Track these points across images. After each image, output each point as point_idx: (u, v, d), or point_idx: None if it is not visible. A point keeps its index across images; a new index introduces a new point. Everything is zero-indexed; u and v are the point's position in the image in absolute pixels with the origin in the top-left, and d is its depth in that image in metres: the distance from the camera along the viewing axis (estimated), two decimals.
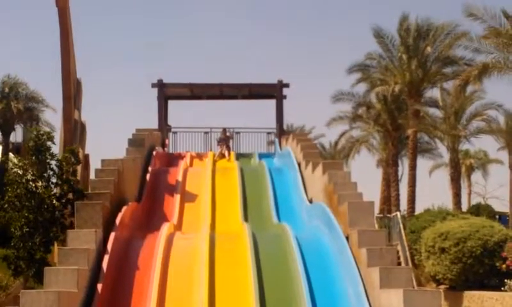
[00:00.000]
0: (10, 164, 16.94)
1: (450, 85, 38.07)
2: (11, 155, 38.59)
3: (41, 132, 17.43)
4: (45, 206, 16.16)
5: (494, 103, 38.86)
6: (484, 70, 30.79)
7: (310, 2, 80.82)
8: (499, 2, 40.57)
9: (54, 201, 16.59)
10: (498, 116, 40.57)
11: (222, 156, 23.07)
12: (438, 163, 48.90)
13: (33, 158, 16.73)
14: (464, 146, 41.93)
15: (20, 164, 16.89)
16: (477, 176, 55.23)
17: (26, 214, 15.92)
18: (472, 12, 30.21)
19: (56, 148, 19.37)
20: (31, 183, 16.48)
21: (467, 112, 38.97)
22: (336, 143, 48.81)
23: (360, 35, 76.77)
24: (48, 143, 17.01)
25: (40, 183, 16.64)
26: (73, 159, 17.19)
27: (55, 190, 17.03)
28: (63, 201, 16.77)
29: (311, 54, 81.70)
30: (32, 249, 16.04)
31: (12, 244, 16.24)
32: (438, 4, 72.63)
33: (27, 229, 15.90)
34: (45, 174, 16.75)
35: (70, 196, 16.71)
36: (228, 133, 24.50)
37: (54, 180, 17.01)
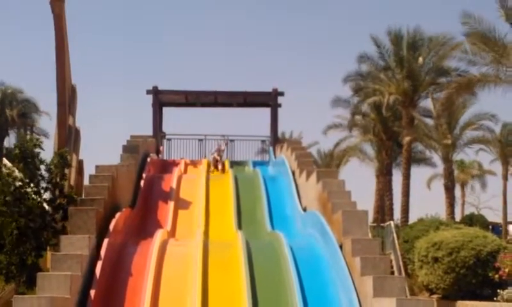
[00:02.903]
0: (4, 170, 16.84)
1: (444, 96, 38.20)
2: (5, 160, 38.53)
3: (27, 139, 17.44)
4: (36, 212, 16.11)
5: (487, 113, 39.09)
6: (470, 84, 30.94)
7: (306, 10, 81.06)
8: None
9: (45, 206, 16.55)
10: (492, 126, 40.81)
11: (215, 166, 22.70)
12: (436, 173, 49.01)
13: (20, 164, 16.71)
14: (458, 156, 42.11)
15: (8, 170, 16.83)
16: (470, 186, 55.34)
17: (16, 219, 15.85)
18: (466, 20, 30.36)
19: (50, 154, 19.35)
20: (20, 189, 16.42)
21: (460, 122, 39.18)
22: (332, 153, 48.86)
23: (356, 42, 76.89)
24: (36, 150, 16.98)
25: (29, 189, 16.59)
26: (62, 163, 17.14)
27: (45, 195, 16.98)
28: (54, 205, 16.72)
29: (306, 62, 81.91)
30: (24, 255, 15.99)
31: (5, 249, 16.20)
32: (435, 15, 72.92)
33: (18, 235, 15.84)
34: (35, 180, 16.70)
35: (61, 200, 16.68)
36: (222, 147, 23.89)
37: (44, 184, 16.97)
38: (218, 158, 22.75)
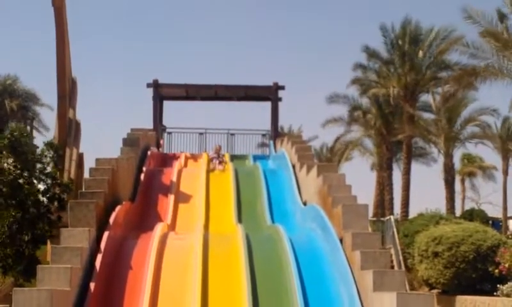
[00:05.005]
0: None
1: (445, 90, 38.23)
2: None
3: (14, 128, 17.39)
4: (30, 202, 16.02)
5: (488, 108, 39.12)
6: (474, 75, 30.93)
7: (307, 4, 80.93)
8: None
9: (40, 197, 16.47)
10: (493, 121, 40.82)
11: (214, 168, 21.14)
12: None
13: (10, 155, 16.65)
14: (459, 150, 42.12)
15: (4, 161, 16.74)
16: (473, 181, 55.21)
17: (12, 213, 15.77)
18: (470, 14, 30.36)
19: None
20: (14, 180, 16.33)
21: (461, 116, 39.18)
22: (332, 148, 48.97)
23: (357, 36, 76.88)
24: (23, 140, 16.91)
25: (21, 180, 16.52)
26: (52, 153, 17.09)
27: (40, 186, 16.91)
28: (49, 195, 16.66)
29: (307, 56, 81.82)
30: (21, 246, 15.92)
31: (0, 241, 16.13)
32: (437, 8, 72.78)
33: (14, 226, 15.75)
34: (27, 170, 16.63)
35: (56, 190, 16.64)
36: (220, 152, 22.14)
37: (37, 175, 16.90)
38: (217, 160, 21.22)
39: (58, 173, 17.45)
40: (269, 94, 26.20)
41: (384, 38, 39.26)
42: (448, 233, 20.75)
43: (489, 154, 62.55)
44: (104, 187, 14.89)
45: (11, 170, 16.43)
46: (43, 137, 43.28)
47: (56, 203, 16.50)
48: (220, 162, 21.14)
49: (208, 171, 20.10)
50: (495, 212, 45.66)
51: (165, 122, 27.01)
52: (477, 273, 20.06)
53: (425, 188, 61.42)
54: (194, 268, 12.68)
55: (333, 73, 77.44)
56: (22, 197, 15.94)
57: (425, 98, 40.53)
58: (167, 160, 22.76)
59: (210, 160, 21.32)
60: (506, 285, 18.89)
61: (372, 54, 39.95)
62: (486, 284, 20.05)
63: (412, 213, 36.14)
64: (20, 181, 16.39)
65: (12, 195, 15.97)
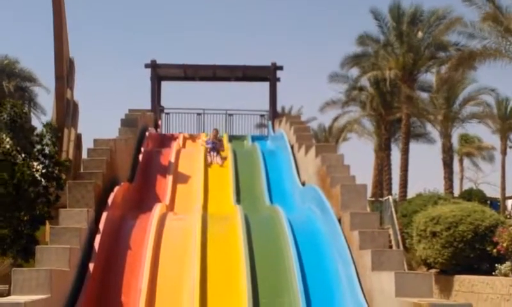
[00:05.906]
0: None
1: (444, 70, 38.17)
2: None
3: (15, 103, 17.30)
4: (27, 181, 15.92)
5: (487, 87, 39.10)
6: (472, 58, 30.86)
7: None
8: None
9: (38, 176, 16.41)
10: (491, 101, 40.81)
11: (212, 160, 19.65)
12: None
13: (9, 132, 16.56)
14: (457, 130, 42.13)
15: None
16: (474, 160, 55.27)
17: (7, 189, 15.60)
18: None
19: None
20: (9, 158, 16.23)
21: (460, 97, 39.15)
22: (330, 128, 49.03)
23: (355, 16, 76.54)
24: (23, 115, 16.82)
25: (19, 160, 16.46)
26: (51, 133, 17.02)
27: (39, 167, 16.86)
28: (48, 175, 16.61)
29: (306, 36, 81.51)
30: (19, 226, 15.87)
31: None
32: None
33: (10, 206, 15.65)
34: (25, 149, 16.54)
35: (54, 169, 16.58)
36: (218, 136, 20.80)
37: (36, 155, 16.83)
38: (217, 161, 19.47)
39: (57, 153, 17.39)
40: (268, 74, 26.11)
41: (377, 21, 39.15)
42: (447, 213, 20.78)
43: (488, 135, 62.56)
44: (102, 168, 14.87)
45: (10, 150, 16.34)
46: (40, 118, 43.20)
47: (54, 183, 16.46)
48: (218, 152, 19.67)
49: (206, 165, 18.94)
50: (493, 192, 45.81)
51: (163, 103, 26.95)
52: (475, 253, 20.11)
53: (424, 168, 61.48)
54: (192, 249, 12.69)
55: (336, 53, 77.20)
56: (18, 175, 15.80)
57: (423, 78, 40.51)
58: (165, 140, 22.73)
59: (207, 152, 19.66)
60: (504, 265, 18.95)
61: (368, 36, 39.86)
62: (484, 264, 20.12)
63: (410, 194, 36.24)
64: (18, 161, 16.31)
65: (10, 176, 15.86)
